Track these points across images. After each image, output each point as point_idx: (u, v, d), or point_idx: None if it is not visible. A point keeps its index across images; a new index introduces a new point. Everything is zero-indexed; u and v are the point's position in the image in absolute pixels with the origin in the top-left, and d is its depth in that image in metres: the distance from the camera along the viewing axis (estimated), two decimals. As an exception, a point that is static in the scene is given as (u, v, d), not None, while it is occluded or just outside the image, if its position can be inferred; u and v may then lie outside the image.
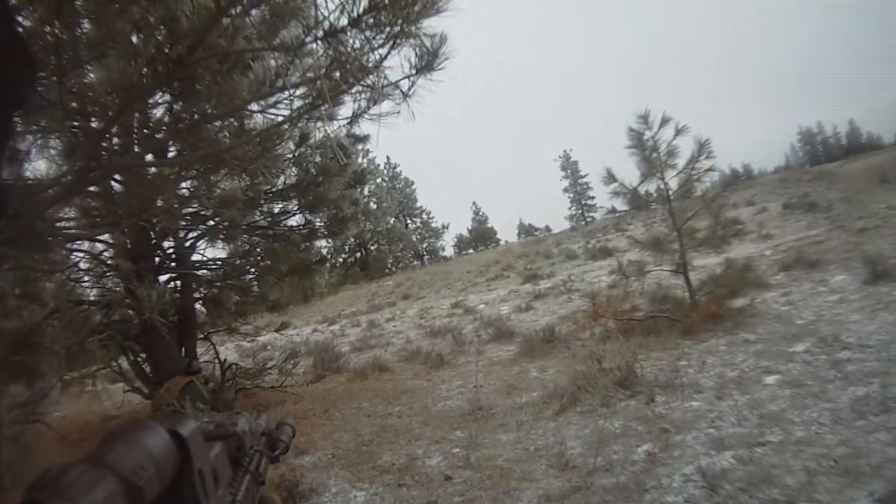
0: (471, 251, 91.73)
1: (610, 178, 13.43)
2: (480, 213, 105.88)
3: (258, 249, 12.33)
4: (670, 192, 12.69)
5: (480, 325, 18.31)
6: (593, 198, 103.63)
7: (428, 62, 5.22)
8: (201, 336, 12.62)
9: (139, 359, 11.43)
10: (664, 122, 12.21)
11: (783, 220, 29.30)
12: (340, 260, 70.66)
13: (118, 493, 0.77)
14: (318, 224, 12.31)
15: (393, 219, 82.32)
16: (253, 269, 12.56)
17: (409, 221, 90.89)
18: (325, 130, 7.20)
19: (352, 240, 65.46)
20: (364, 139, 11.11)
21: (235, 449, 1.40)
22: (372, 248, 75.77)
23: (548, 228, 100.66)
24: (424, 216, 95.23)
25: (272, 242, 12.10)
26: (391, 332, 22.24)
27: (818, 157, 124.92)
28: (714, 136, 12.42)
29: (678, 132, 12.24)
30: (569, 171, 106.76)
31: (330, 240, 14.30)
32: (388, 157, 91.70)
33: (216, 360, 12.74)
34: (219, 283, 12.43)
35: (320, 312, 34.13)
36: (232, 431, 1.41)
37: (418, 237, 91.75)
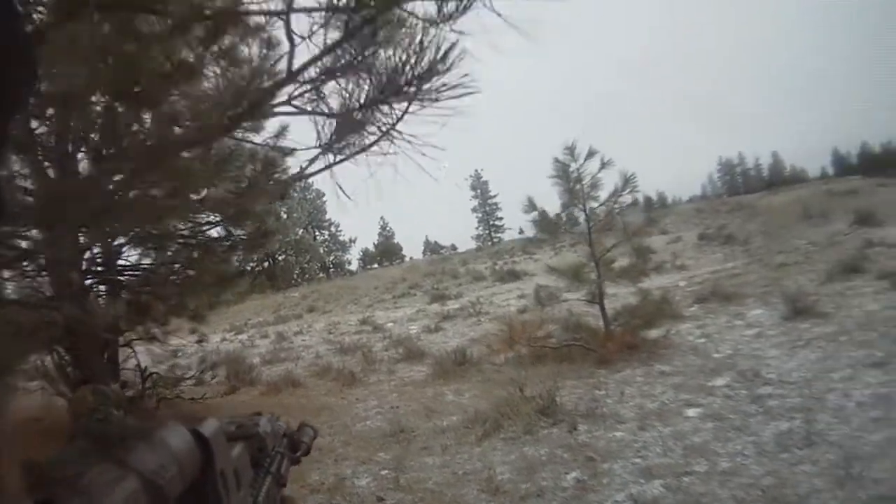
0: (376, 266, 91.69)
1: (531, 206, 13.61)
2: (388, 228, 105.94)
3: (180, 258, 12.23)
4: (591, 224, 12.88)
5: (390, 344, 18.49)
6: (501, 219, 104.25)
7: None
8: (123, 343, 12.43)
9: (64, 361, 11.26)
10: (590, 154, 12.41)
11: (698, 252, 29.93)
12: (247, 269, 69.63)
13: (139, 493, 0.78)
14: (240, 236, 12.26)
15: (301, 230, 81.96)
16: (174, 278, 12.43)
17: (317, 233, 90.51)
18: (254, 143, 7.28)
19: (259, 249, 64.77)
20: (291, 152, 11.14)
21: (257, 450, 1.44)
22: (280, 258, 75.23)
23: (454, 247, 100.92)
24: (333, 229, 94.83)
25: (191, 252, 12.01)
26: (300, 347, 22.27)
27: (737, 189, 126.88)
28: (627, 161, 12.64)
29: (603, 165, 12.42)
30: (479, 191, 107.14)
31: (251, 252, 14.24)
32: (300, 167, 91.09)
33: (137, 368, 12.54)
34: (140, 290, 12.27)
35: (227, 321, 33.83)
36: (254, 432, 1.45)
37: (325, 250, 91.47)
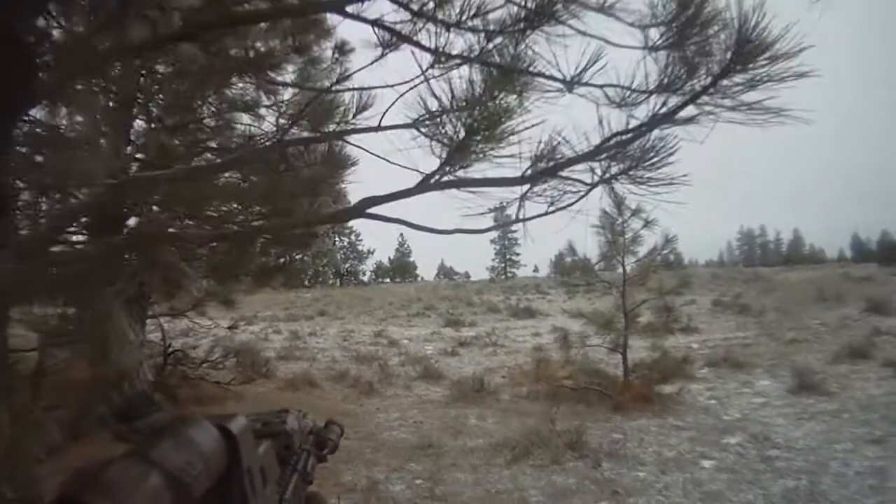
0: (388, 281, 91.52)
1: (570, 251, 13.99)
2: (405, 246, 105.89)
3: (224, 242, 12.26)
4: (626, 277, 13.21)
5: (406, 361, 18.60)
6: (519, 254, 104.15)
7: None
8: (151, 315, 12.39)
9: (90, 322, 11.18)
10: (636, 212, 12.66)
11: (712, 317, 29.81)
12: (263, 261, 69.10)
13: (164, 490, 0.80)
14: (286, 232, 12.37)
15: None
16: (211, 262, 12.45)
17: (336, 239, 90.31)
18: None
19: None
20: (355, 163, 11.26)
21: (284, 447, 1.50)
22: (297, 257, 74.34)
23: (467, 275, 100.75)
24: (353, 237, 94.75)
25: (234, 238, 12.07)
26: (315, 348, 22.42)
27: (754, 260, 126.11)
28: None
29: (646, 223, 12.69)
30: (500, 223, 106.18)
31: (292, 250, 14.38)
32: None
33: (161, 343, 12.38)
34: (180, 266, 12.23)
35: (237, 310, 33.82)
36: (281, 430, 1.52)
37: (342, 257, 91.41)
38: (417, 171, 5.16)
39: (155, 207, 8.53)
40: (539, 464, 8.57)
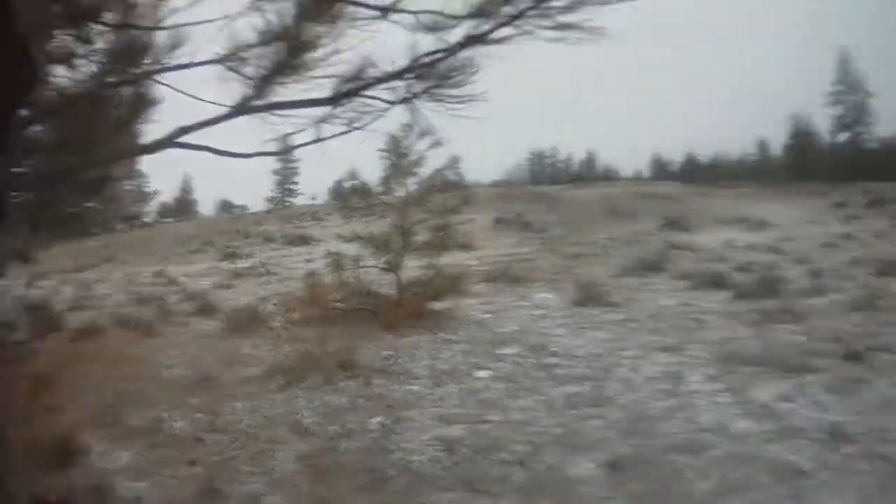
0: (170, 220, 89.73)
1: (352, 176, 14.16)
2: (188, 184, 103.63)
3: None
4: (407, 198, 13.47)
5: (184, 298, 18.80)
6: (297, 183, 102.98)
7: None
8: None
9: None
10: (422, 133, 12.87)
11: (492, 234, 30.61)
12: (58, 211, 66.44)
13: None
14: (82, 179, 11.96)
15: (107, 177, 78.71)
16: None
17: (125, 183, 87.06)
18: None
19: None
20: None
21: None
22: (89, 204, 71.45)
23: (245, 207, 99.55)
24: (139, 180, 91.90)
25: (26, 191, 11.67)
26: (102, 295, 22.12)
27: (542, 179, 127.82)
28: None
29: (433, 145, 12.99)
30: (297, 144, 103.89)
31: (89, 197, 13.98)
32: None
33: None
34: None
35: (34, 266, 32.91)
36: None
37: (131, 200, 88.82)
38: (225, 105, 5.31)
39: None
40: (312, 386, 8.78)
